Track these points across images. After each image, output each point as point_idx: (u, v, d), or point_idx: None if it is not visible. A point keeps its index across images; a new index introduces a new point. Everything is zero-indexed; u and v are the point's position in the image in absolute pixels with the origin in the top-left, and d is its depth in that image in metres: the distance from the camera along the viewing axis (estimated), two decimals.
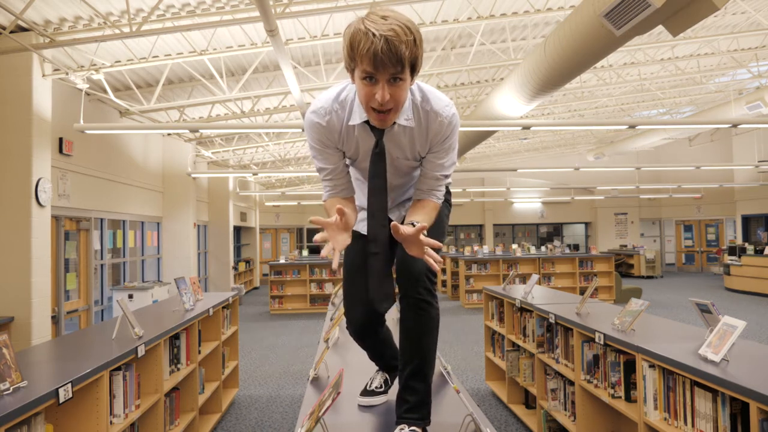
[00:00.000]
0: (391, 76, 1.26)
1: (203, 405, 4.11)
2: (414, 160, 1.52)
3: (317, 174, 1.71)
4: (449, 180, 1.60)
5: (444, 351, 6.91)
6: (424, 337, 1.48)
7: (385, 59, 1.22)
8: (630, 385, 2.79)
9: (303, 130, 7.12)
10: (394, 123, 1.40)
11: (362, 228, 1.64)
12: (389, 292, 1.48)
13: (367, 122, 1.41)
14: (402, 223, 1.60)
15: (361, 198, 1.65)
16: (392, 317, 2.99)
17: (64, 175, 6.36)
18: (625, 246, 18.65)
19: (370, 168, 1.46)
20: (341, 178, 1.54)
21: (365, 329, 1.69)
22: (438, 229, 1.57)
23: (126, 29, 5.10)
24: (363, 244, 1.61)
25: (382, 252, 1.47)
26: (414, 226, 1.24)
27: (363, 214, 1.64)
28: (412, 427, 1.42)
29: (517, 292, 4.67)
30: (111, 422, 2.49)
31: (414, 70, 1.31)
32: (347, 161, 1.57)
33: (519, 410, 4.48)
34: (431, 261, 1.23)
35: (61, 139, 6.23)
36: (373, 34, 1.21)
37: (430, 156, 1.49)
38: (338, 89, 1.46)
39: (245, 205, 15.77)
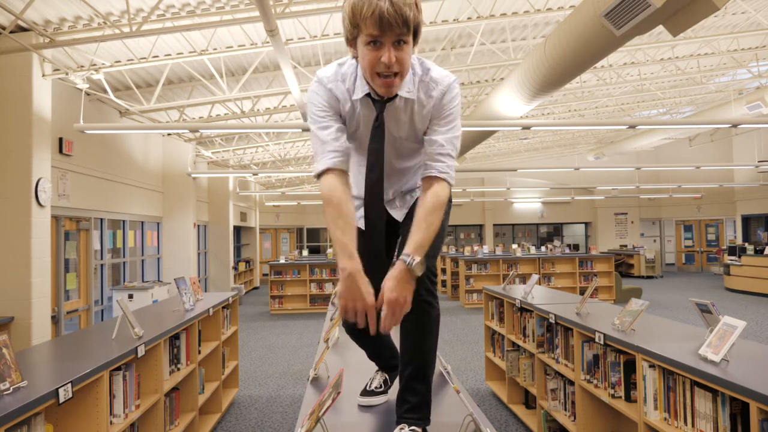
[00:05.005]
0: (396, 39, 1.27)
1: (203, 405, 4.11)
2: (415, 140, 1.51)
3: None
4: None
5: (444, 351, 6.91)
6: (424, 338, 1.48)
7: (391, 20, 1.24)
8: (630, 385, 2.79)
9: (303, 130, 7.12)
10: (396, 95, 1.40)
11: (362, 225, 1.63)
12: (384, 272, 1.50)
13: (368, 95, 1.42)
14: (405, 218, 1.60)
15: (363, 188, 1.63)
16: None
17: (64, 175, 6.35)
18: (625, 246, 18.65)
19: (370, 143, 1.45)
20: (346, 141, 1.46)
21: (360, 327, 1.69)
22: (437, 233, 1.56)
23: (126, 29, 5.10)
24: (361, 240, 1.60)
25: (380, 229, 1.48)
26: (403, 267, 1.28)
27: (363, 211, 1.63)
28: (412, 427, 1.42)
29: (517, 292, 4.67)
30: (111, 422, 2.49)
31: (416, 35, 1.33)
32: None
33: (519, 410, 4.48)
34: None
35: (61, 139, 6.23)
36: None
37: (431, 131, 1.48)
38: (339, 62, 1.48)
39: (245, 205, 15.77)
